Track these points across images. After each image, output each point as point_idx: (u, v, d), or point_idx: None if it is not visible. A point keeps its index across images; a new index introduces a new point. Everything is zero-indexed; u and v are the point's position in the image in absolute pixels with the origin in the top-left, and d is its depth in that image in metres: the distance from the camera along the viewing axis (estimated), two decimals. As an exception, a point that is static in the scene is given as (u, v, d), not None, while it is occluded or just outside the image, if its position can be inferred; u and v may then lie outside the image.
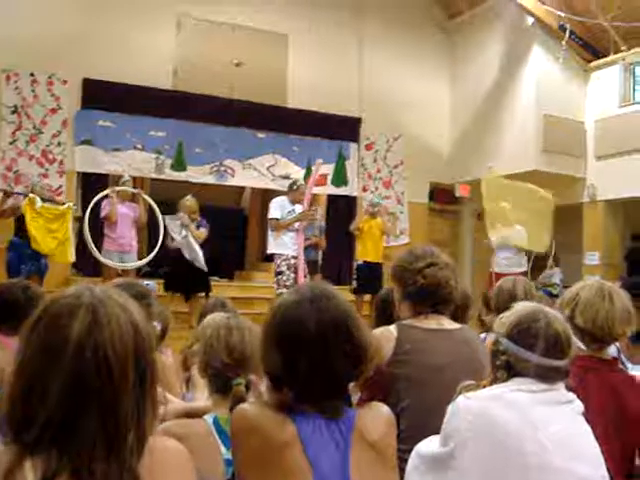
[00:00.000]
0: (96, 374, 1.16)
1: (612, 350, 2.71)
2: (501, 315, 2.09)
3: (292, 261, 8.11)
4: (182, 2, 10.63)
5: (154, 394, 1.27)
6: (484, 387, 2.01)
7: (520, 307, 2.06)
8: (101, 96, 10.07)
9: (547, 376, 1.93)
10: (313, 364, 1.66)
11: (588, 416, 2.31)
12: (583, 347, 2.13)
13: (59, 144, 9.87)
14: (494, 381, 2.00)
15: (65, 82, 9.91)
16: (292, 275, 8.07)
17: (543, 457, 1.81)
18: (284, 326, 1.70)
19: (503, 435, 1.84)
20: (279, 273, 8.14)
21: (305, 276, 8.09)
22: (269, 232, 8.32)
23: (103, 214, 8.70)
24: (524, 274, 8.65)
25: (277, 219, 8.10)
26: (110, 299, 1.26)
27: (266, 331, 1.74)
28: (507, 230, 8.96)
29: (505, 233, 8.97)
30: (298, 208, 8.19)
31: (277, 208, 8.18)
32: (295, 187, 8.43)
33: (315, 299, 1.73)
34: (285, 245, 8.15)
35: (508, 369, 1.97)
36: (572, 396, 1.99)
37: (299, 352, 1.66)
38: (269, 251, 8.47)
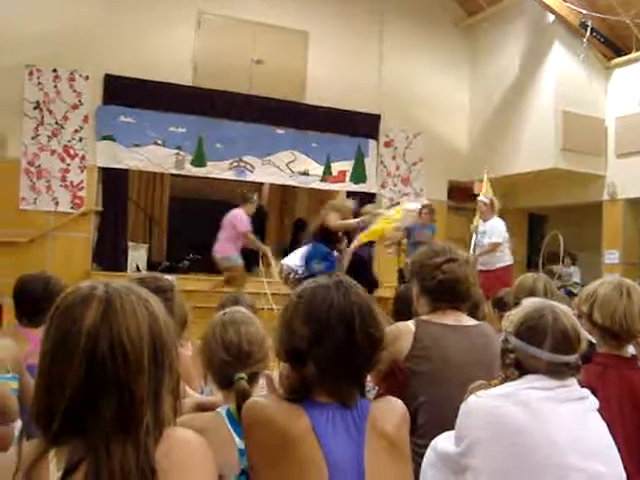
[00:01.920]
0: (112, 359, 1.18)
1: (630, 349, 2.69)
2: (508, 313, 2.09)
3: None
4: (203, -1, 10.70)
5: (174, 383, 1.28)
6: (495, 386, 1.99)
7: (527, 304, 2.06)
8: (122, 92, 10.13)
9: (558, 372, 1.92)
10: (338, 342, 1.68)
11: (606, 413, 2.31)
12: (593, 340, 2.10)
13: (80, 139, 9.95)
14: (505, 380, 1.99)
15: (87, 78, 9.98)
16: None
17: (557, 456, 1.80)
18: (313, 303, 1.73)
19: (516, 434, 1.83)
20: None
21: None
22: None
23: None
24: (509, 268, 8.72)
25: None
26: (125, 289, 1.29)
27: (293, 308, 1.76)
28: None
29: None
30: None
31: None
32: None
33: (339, 285, 1.76)
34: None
35: (518, 367, 1.96)
36: (586, 392, 1.98)
37: (326, 328, 1.68)
38: None
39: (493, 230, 8.73)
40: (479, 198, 9.23)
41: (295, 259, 8.02)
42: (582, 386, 2.37)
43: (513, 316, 2.03)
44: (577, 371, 1.96)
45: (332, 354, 1.67)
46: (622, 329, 2.48)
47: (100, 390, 1.18)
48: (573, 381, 1.95)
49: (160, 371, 1.24)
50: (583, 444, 1.85)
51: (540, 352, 1.92)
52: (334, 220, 8.04)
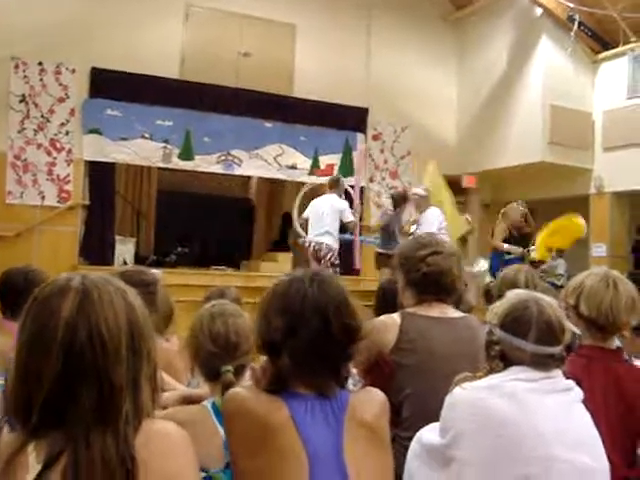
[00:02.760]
0: (90, 349, 1.18)
1: (616, 342, 2.69)
2: (493, 305, 2.09)
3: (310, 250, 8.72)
4: (190, -9, 10.65)
5: (151, 372, 1.29)
6: (479, 379, 1.99)
7: (511, 295, 2.06)
8: (109, 85, 10.06)
9: (543, 363, 1.92)
10: (312, 333, 1.69)
11: (591, 405, 2.32)
12: (578, 331, 2.10)
13: (67, 133, 9.88)
14: (489, 372, 1.99)
15: (73, 71, 9.91)
16: (314, 263, 8.55)
17: (542, 447, 1.81)
18: (287, 296, 1.75)
19: (501, 425, 1.83)
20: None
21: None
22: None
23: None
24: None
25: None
26: (102, 279, 1.29)
27: (269, 300, 1.78)
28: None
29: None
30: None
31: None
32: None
33: (314, 278, 1.78)
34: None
35: (503, 359, 1.96)
36: (571, 383, 1.98)
37: (300, 320, 1.70)
38: None
39: (426, 220, 8.67)
40: (414, 190, 9.12)
41: None
42: (567, 378, 2.38)
43: (497, 308, 2.04)
44: (562, 362, 1.97)
45: (306, 345, 1.69)
46: (608, 321, 2.48)
47: (79, 380, 1.18)
48: (558, 372, 1.96)
49: (138, 360, 1.25)
50: (568, 435, 1.86)
51: (525, 344, 1.92)
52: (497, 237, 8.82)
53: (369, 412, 1.74)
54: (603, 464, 1.91)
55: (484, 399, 1.88)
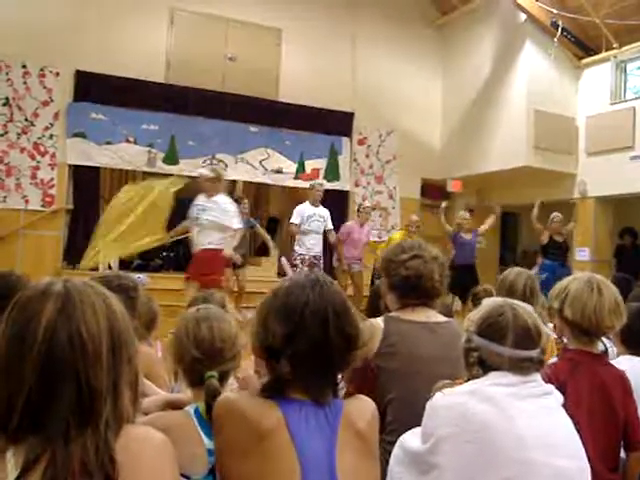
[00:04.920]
0: (70, 352, 1.17)
1: (600, 346, 2.71)
2: (470, 313, 2.11)
3: (306, 257, 8.95)
4: (176, -5, 10.63)
5: (132, 377, 1.28)
6: (460, 385, 2.00)
7: (487, 303, 2.07)
8: (93, 89, 10.05)
9: (521, 367, 1.93)
10: (313, 340, 1.68)
11: (576, 409, 2.33)
12: (554, 335, 2.12)
13: (51, 137, 9.85)
14: (470, 379, 1.99)
15: (57, 74, 9.89)
16: (305, 269, 8.69)
17: (523, 451, 1.81)
18: (288, 302, 1.72)
19: (482, 430, 1.83)
20: (294, 266, 8.95)
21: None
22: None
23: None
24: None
25: (295, 224, 8.94)
26: (83, 284, 1.29)
27: (268, 305, 1.76)
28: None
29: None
30: (321, 211, 9.05)
31: (297, 214, 9.00)
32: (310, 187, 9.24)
33: (315, 283, 1.77)
34: (304, 246, 9.01)
35: (482, 365, 1.97)
36: (550, 388, 1.99)
37: (300, 326, 1.68)
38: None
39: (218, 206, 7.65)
40: (199, 171, 8.05)
41: None
42: (552, 382, 2.39)
43: (474, 315, 2.05)
44: (540, 365, 1.98)
45: (306, 352, 1.68)
46: (592, 325, 2.50)
47: (59, 384, 1.17)
48: (537, 376, 1.97)
49: (119, 364, 1.24)
50: (548, 439, 1.86)
51: (502, 348, 1.93)
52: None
53: (362, 420, 1.73)
54: (583, 468, 1.91)
55: (464, 404, 1.88)
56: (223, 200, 7.50)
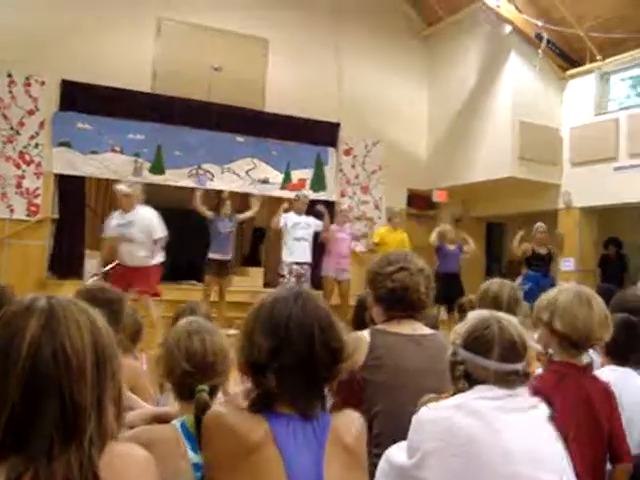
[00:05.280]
0: (54, 367, 1.17)
1: (585, 358, 2.72)
2: (456, 326, 2.11)
3: (294, 267, 9.09)
4: (163, 5, 10.61)
5: (117, 393, 1.28)
6: (445, 399, 2.00)
7: (473, 315, 2.08)
8: (79, 98, 10.01)
9: (507, 381, 1.93)
10: (298, 354, 1.69)
11: (562, 422, 2.34)
12: (539, 347, 2.12)
13: (36, 146, 9.80)
14: (456, 392, 1.99)
15: (43, 83, 9.85)
16: (293, 279, 8.99)
17: (509, 465, 1.81)
18: (271, 316, 1.73)
19: (468, 444, 1.83)
20: (281, 276, 9.15)
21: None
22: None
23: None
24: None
25: (279, 222, 9.23)
26: (67, 300, 1.29)
27: (253, 320, 1.76)
28: None
29: None
30: (307, 219, 9.35)
31: (283, 218, 9.29)
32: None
33: (299, 297, 1.78)
34: (291, 253, 9.17)
35: (468, 378, 1.97)
36: (536, 401, 1.99)
37: (285, 340, 1.69)
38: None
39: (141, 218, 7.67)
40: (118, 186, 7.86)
41: None
42: (538, 394, 2.40)
43: (460, 328, 2.05)
44: (526, 378, 1.98)
45: (292, 367, 1.68)
46: (582, 337, 2.51)
47: (42, 400, 1.16)
48: (523, 390, 1.97)
49: (103, 380, 1.24)
50: (535, 453, 1.86)
51: (488, 362, 1.94)
52: None
53: (350, 435, 1.73)
54: None
55: (450, 418, 1.88)
56: (142, 212, 7.60)
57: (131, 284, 7.04)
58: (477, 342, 1.97)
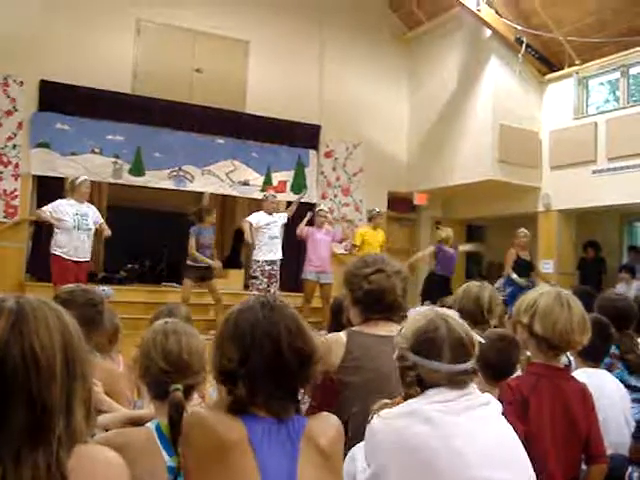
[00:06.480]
0: (23, 367, 1.16)
1: (563, 359, 2.74)
2: (400, 327, 2.08)
3: (266, 267, 9.08)
4: (142, 6, 10.56)
5: (86, 394, 1.27)
6: (397, 404, 1.97)
7: (416, 316, 2.03)
8: (59, 99, 9.93)
9: (458, 381, 1.91)
10: (265, 359, 1.71)
11: (538, 422, 2.35)
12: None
13: (14, 147, 9.71)
14: (407, 397, 1.96)
15: (22, 83, 9.76)
16: (265, 280, 9.00)
17: (464, 469, 1.79)
18: (238, 325, 1.76)
19: (422, 451, 1.81)
20: (253, 277, 9.11)
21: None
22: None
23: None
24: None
25: (250, 222, 9.33)
26: (36, 300, 1.27)
27: (222, 331, 1.80)
28: None
29: None
30: (277, 218, 9.47)
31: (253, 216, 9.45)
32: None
33: (265, 305, 1.80)
34: (261, 251, 9.21)
35: (420, 383, 1.93)
36: (488, 397, 1.98)
37: (252, 347, 1.72)
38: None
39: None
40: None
41: None
42: (515, 396, 2.40)
43: (406, 331, 2.00)
44: (475, 375, 1.96)
45: (261, 372, 1.71)
46: (562, 340, 2.52)
47: (10, 401, 1.15)
48: (473, 388, 1.95)
49: (72, 381, 1.23)
50: (489, 453, 1.84)
51: (440, 365, 1.91)
52: None
53: (325, 437, 1.75)
54: (527, 477, 1.91)
55: (402, 427, 1.86)
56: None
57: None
58: (427, 345, 1.93)
